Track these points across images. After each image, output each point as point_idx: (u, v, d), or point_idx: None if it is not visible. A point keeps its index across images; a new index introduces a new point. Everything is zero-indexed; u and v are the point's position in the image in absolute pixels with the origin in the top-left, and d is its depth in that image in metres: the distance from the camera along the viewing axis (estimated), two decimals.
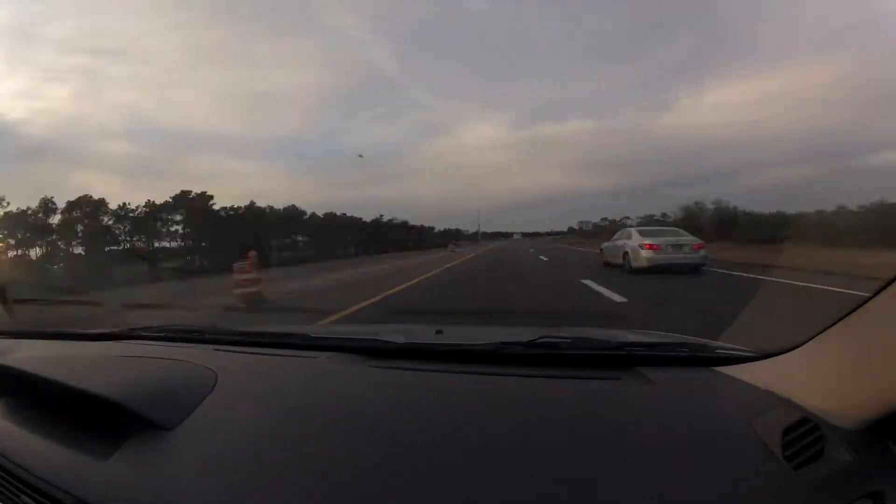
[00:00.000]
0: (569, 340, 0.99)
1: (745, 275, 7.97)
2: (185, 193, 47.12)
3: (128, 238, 44.22)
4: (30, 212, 39.71)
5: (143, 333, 1.40)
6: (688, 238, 9.56)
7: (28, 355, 1.15)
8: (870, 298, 0.66)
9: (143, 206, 44.98)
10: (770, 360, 0.85)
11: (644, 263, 9.08)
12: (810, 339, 0.77)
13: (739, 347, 0.96)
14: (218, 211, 48.76)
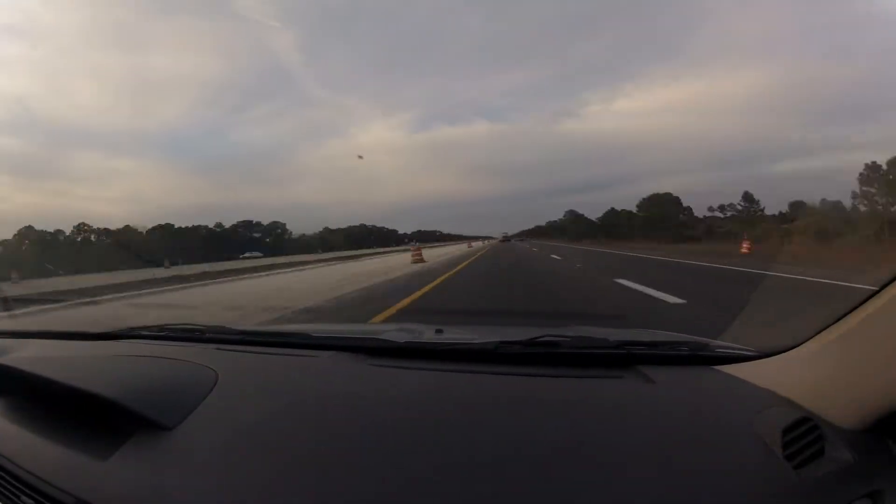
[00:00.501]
0: (569, 339, 0.99)
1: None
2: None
3: None
4: None
5: (143, 333, 1.40)
6: None
7: (28, 355, 1.15)
8: (870, 298, 0.66)
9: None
10: (770, 359, 0.85)
11: None
12: (810, 339, 0.77)
13: (740, 346, 0.96)
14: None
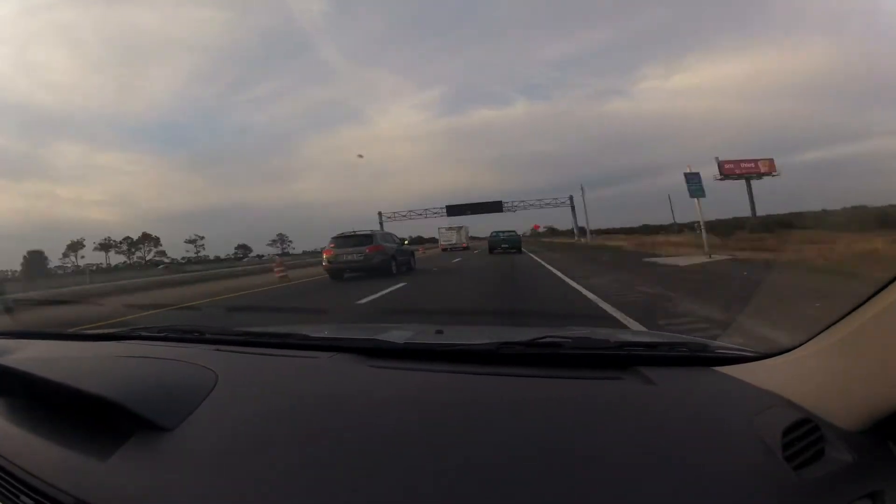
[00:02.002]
0: (569, 340, 0.99)
1: None
2: None
3: None
4: None
5: (143, 333, 1.40)
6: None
7: (28, 355, 1.15)
8: (870, 298, 0.66)
9: None
10: (770, 360, 0.85)
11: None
12: (810, 339, 0.77)
13: (740, 347, 0.96)
14: None
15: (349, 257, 10.77)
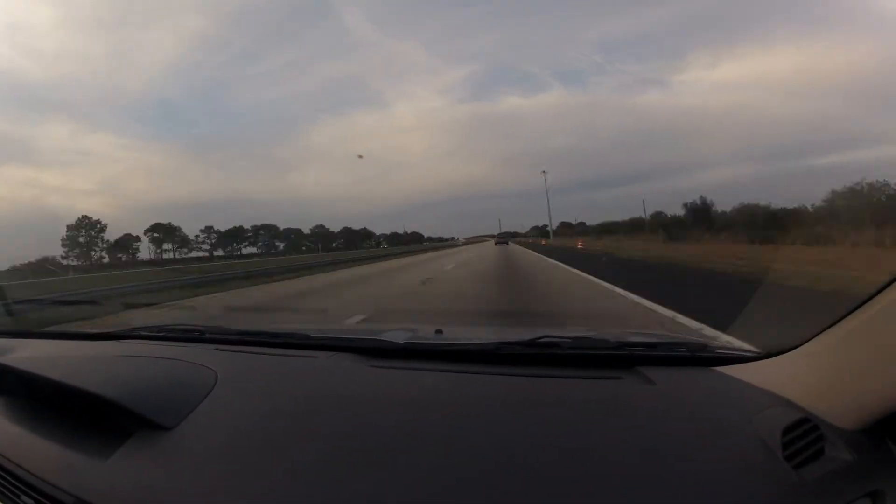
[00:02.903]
0: (569, 340, 0.99)
1: None
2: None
3: None
4: None
5: (143, 333, 1.40)
6: None
7: (28, 355, 1.15)
8: (869, 299, 0.66)
9: None
10: (770, 360, 0.85)
11: None
12: (810, 340, 0.77)
13: (739, 347, 0.96)
14: None
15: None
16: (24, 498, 0.67)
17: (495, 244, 39.08)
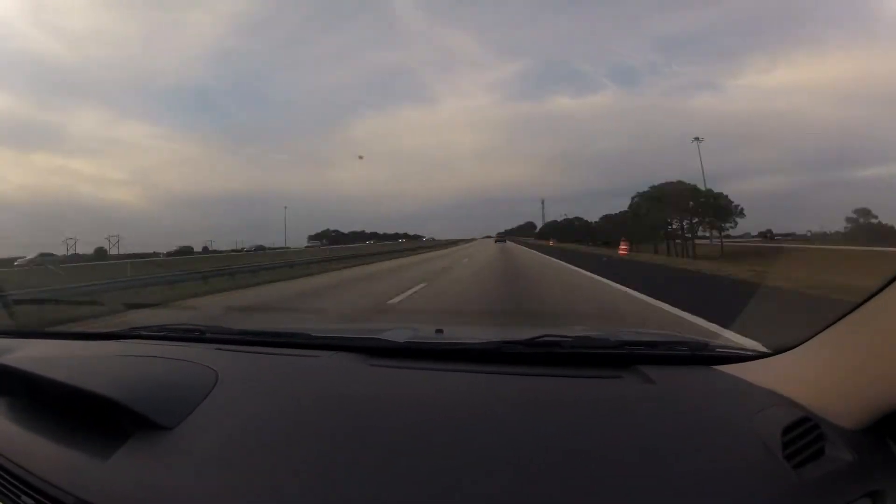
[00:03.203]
0: (570, 339, 0.99)
1: None
2: None
3: None
4: None
5: (143, 333, 1.40)
6: None
7: (28, 355, 1.15)
8: (869, 298, 0.66)
9: None
10: (770, 359, 0.85)
11: None
12: (810, 339, 0.77)
13: (739, 346, 0.96)
14: None
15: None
16: (24, 498, 0.67)
17: (495, 242, 48.72)
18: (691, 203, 25.91)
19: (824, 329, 0.74)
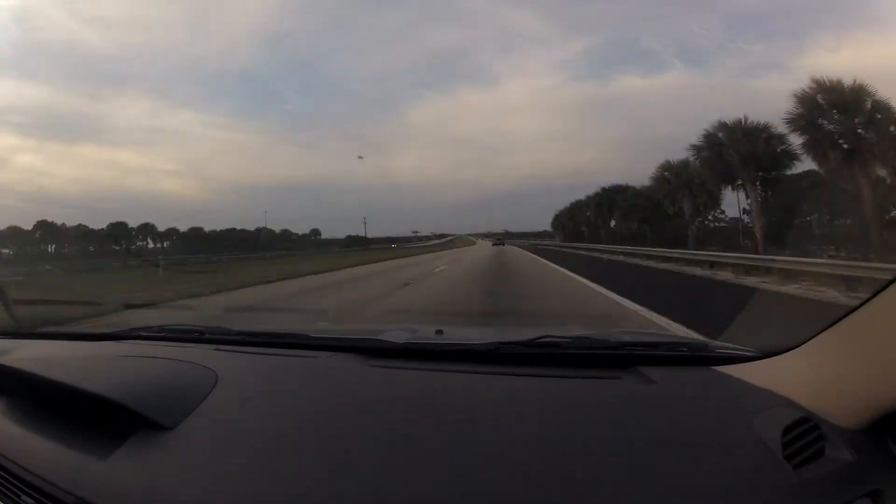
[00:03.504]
0: (569, 340, 0.99)
1: None
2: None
3: None
4: None
5: (143, 333, 1.40)
6: None
7: (28, 355, 1.15)
8: (869, 299, 0.66)
9: None
10: (770, 359, 0.85)
11: None
12: (810, 339, 0.77)
13: (739, 347, 0.96)
14: None
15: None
16: (24, 498, 0.67)
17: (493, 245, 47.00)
18: None
19: (824, 330, 0.74)
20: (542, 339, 0.99)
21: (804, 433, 0.63)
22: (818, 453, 0.61)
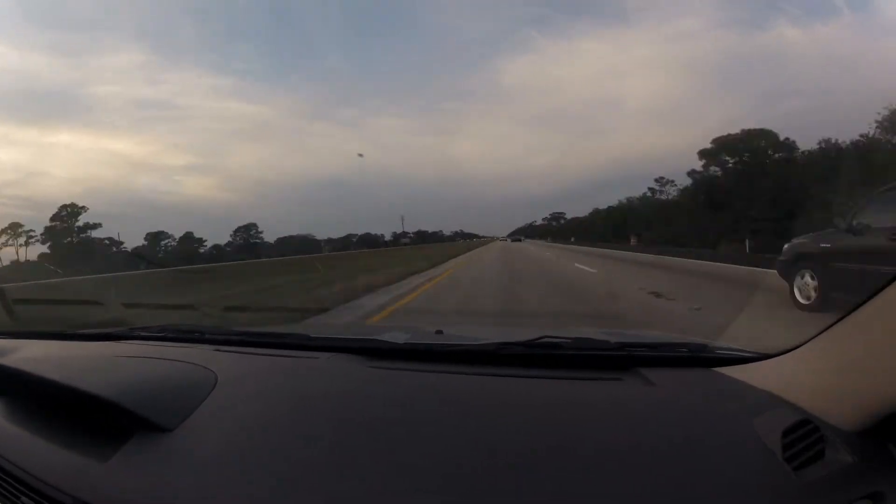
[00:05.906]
0: (569, 341, 0.99)
1: None
2: None
3: None
4: None
5: (142, 333, 1.40)
6: None
7: (28, 355, 1.15)
8: (869, 299, 0.66)
9: None
10: (770, 360, 0.84)
11: None
12: (810, 340, 0.77)
13: (740, 348, 0.96)
14: None
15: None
16: (23, 499, 0.67)
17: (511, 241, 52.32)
18: None
19: (824, 330, 0.74)
20: (543, 340, 0.99)
21: (804, 435, 0.63)
22: (818, 455, 0.61)
